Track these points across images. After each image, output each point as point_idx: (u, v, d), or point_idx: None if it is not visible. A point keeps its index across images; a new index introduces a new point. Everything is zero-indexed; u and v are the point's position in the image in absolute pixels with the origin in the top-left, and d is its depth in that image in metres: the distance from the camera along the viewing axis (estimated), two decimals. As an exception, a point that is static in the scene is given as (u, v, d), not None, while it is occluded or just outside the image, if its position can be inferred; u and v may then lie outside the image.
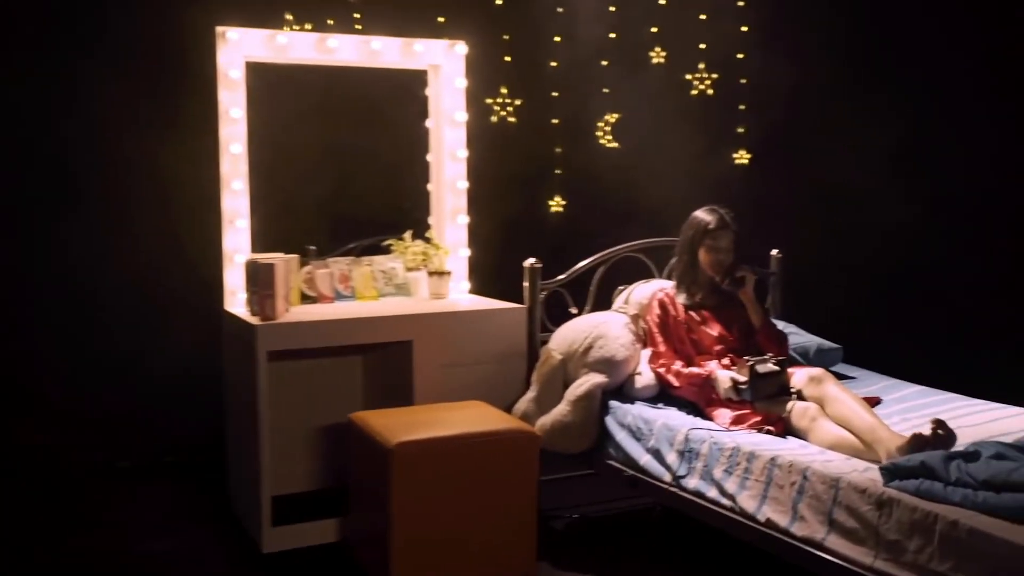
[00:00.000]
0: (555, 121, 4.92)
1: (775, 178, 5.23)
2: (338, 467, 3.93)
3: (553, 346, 3.90)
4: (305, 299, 4.03)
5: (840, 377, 3.69)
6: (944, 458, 2.65)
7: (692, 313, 3.83)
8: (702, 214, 3.84)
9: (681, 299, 3.85)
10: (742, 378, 3.44)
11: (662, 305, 3.85)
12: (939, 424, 2.90)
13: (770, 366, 3.43)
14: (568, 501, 4.06)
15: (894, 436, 2.95)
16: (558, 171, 4.92)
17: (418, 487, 3.21)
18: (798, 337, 4.09)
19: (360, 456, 3.49)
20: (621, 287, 4.17)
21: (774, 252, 4.52)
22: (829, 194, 5.24)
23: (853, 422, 3.11)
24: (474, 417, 3.49)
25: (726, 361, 3.68)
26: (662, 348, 3.78)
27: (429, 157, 4.35)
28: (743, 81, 5.17)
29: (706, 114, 5.17)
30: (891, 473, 2.69)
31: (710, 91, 5.15)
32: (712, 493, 3.18)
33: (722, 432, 3.32)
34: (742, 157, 5.21)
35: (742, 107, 5.19)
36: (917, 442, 2.84)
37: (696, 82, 5.15)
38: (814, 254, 5.04)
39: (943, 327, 5.12)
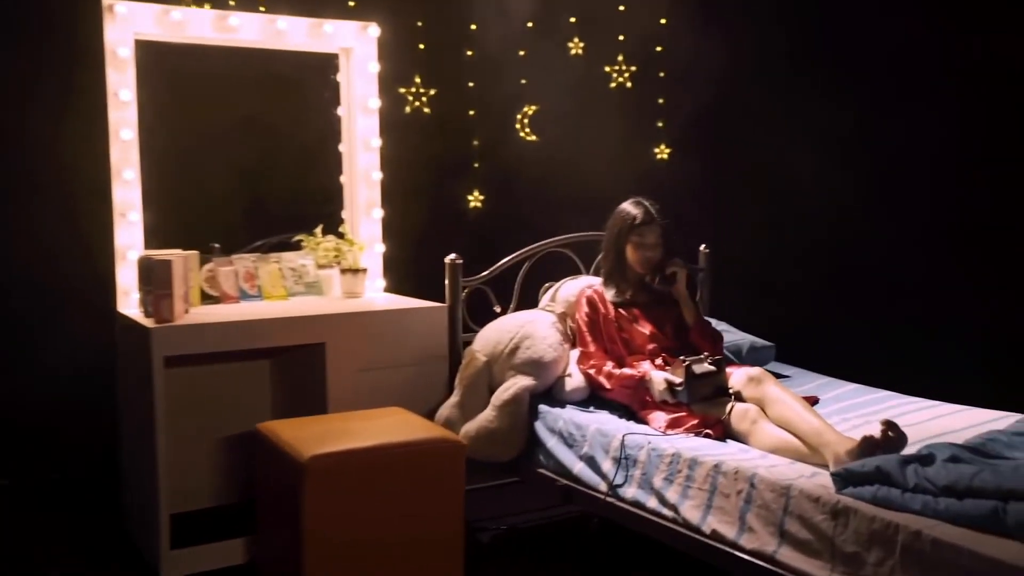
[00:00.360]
0: (472, 112, 4.74)
1: (700, 172, 5.14)
2: (244, 481, 3.72)
3: (477, 347, 3.73)
4: (207, 299, 3.80)
5: (775, 376, 3.57)
6: (900, 462, 2.52)
7: (622, 311, 3.67)
8: (628, 207, 3.71)
9: (610, 296, 3.70)
10: (677, 379, 3.30)
11: (591, 302, 3.69)
12: (889, 425, 2.77)
13: (706, 366, 3.29)
14: (496, 512, 3.90)
15: (842, 439, 2.81)
16: (476, 164, 4.73)
17: (334, 503, 3.01)
18: (730, 335, 4.01)
19: (269, 470, 3.26)
20: (547, 284, 4.07)
21: (702, 248, 4.44)
22: (756, 188, 5.16)
23: (797, 424, 2.98)
24: (394, 425, 3.31)
25: (659, 361, 3.53)
26: (592, 348, 3.61)
27: (341, 147, 4.12)
28: (661, 75, 5.07)
29: (626, 107, 5.06)
30: (844, 480, 2.55)
31: (629, 84, 5.05)
32: (652, 503, 3.01)
33: (660, 437, 3.15)
34: (662, 151, 5.12)
35: (661, 101, 5.09)
36: (867, 445, 2.71)
37: (615, 74, 5.05)
38: (743, 249, 4.96)
39: (875, 323, 5.07)
